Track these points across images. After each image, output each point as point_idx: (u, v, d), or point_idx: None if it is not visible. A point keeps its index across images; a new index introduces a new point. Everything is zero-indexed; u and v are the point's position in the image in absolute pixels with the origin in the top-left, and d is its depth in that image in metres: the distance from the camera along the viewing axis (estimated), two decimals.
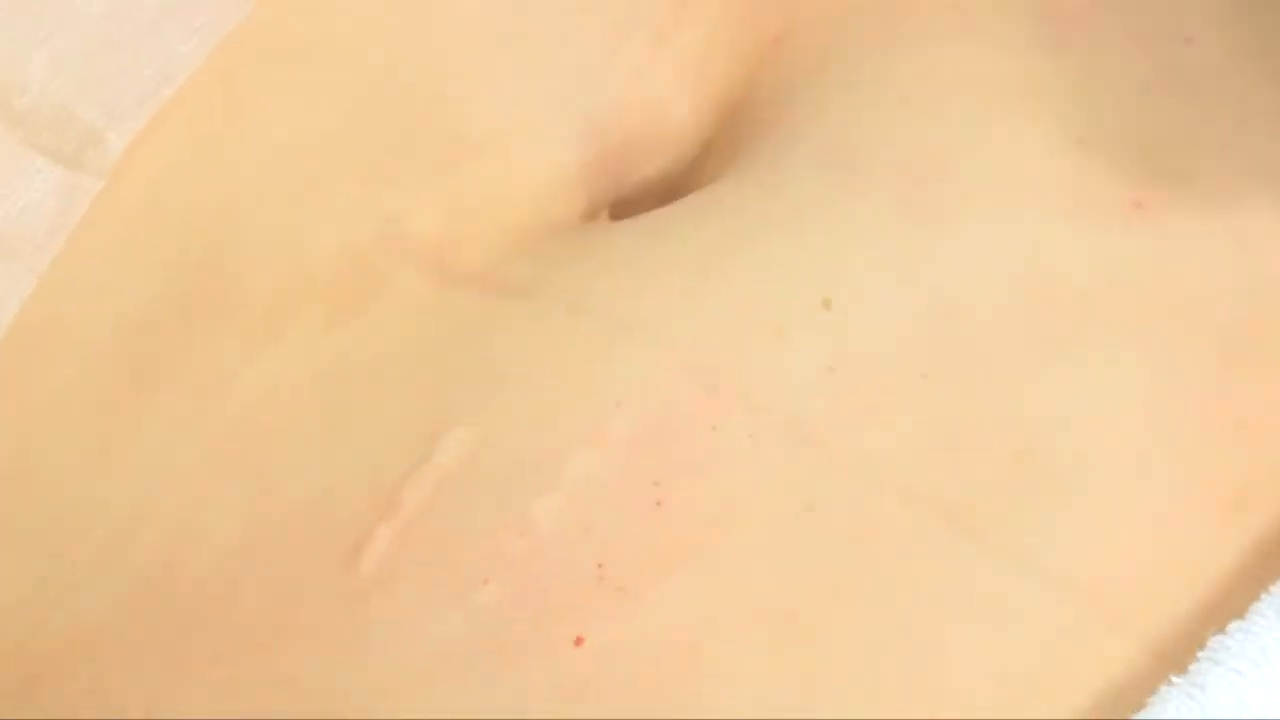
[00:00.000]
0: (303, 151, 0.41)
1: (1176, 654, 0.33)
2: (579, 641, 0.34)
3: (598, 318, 0.38)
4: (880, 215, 0.38)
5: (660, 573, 0.34)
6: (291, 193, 0.41)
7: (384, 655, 0.34)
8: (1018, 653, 0.33)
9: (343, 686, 0.34)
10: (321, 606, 0.35)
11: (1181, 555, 0.34)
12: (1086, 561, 0.34)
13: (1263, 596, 0.33)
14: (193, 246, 0.40)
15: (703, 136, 0.45)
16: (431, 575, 0.35)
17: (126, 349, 0.39)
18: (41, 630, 0.37)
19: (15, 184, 0.39)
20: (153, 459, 0.38)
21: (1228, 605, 0.33)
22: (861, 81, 0.42)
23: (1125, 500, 0.35)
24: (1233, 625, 0.32)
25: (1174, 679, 0.32)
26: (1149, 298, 0.37)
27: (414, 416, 0.37)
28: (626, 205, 0.44)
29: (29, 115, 0.39)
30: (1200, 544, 0.35)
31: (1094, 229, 0.38)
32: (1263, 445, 0.36)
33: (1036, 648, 0.33)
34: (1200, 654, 0.32)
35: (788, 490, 0.35)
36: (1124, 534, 0.35)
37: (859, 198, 0.39)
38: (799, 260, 0.38)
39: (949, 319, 0.37)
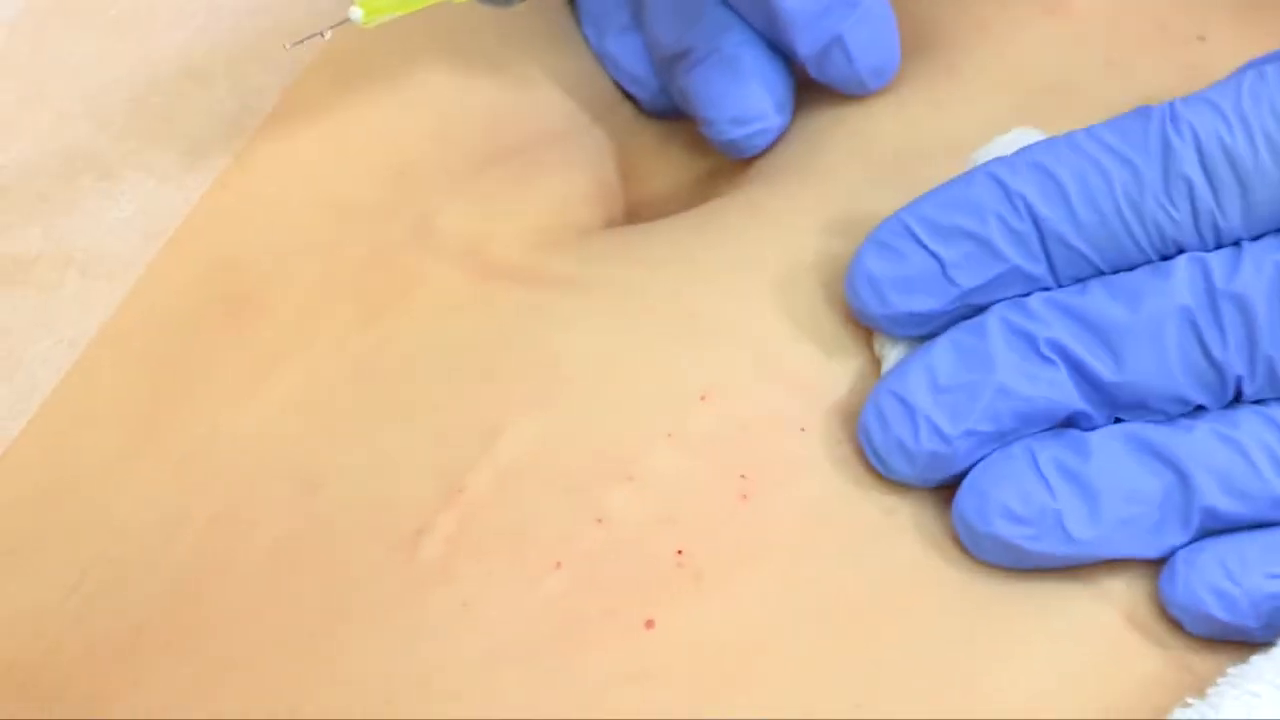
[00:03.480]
0: (332, 153, 0.42)
1: (1207, 675, 0.35)
2: (650, 624, 0.34)
3: (665, 314, 0.39)
4: None
5: (741, 564, 0.35)
6: (320, 192, 0.41)
7: (445, 641, 0.34)
8: (1070, 661, 0.35)
9: (400, 675, 0.34)
10: (378, 596, 0.35)
11: None
12: (1136, 583, 0.36)
13: None
14: (226, 247, 0.40)
15: (710, 171, 0.47)
16: (497, 562, 0.35)
17: (162, 350, 0.39)
18: (80, 629, 0.37)
19: (101, 206, 0.39)
20: (191, 458, 0.38)
21: None
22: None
23: None
24: (1255, 656, 0.34)
25: (1190, 700, 0.34)
26: None
27: (470, 408, 0.38)
28: (638, 214, 0.46)
29: (112, 149, 0.40)
30: None
31: None
32: None
33: (1087, 658, 0.35)
34: (1219, 680, 0.34)
35: (870, 495, 0.37)
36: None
37: None
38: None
39: None
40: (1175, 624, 0.36)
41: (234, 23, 0.41)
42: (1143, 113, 0.36)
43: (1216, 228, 0.36)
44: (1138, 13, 0.44)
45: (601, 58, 0.46)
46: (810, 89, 0.44)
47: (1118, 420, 0.37)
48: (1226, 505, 0.35)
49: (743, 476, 0.36)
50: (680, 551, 0.35)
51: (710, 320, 0.39)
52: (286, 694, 0.35)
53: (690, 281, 0.40)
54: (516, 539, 0.36)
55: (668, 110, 0.46)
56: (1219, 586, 0.35)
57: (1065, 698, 0.35)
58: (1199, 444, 0.36)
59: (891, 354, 0.38)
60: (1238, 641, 0.36)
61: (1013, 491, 0.36)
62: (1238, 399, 0.36)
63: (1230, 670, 0.34)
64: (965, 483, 0.36)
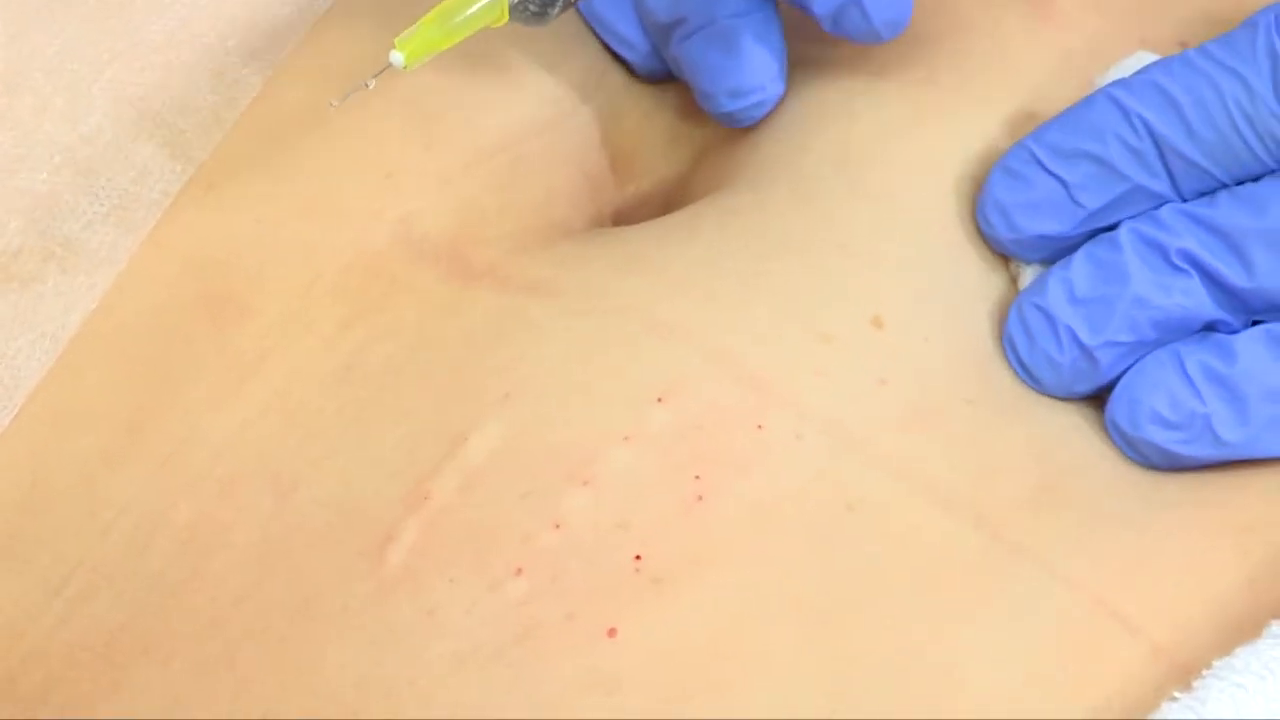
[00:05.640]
0: (316, 154, 0.41)
1: (1189, 663, 0.34)
2: (612, 633, 0.34)
3: (630, 317, 0.39)
4: (926, 240, 0.40)
5: (698, 567, 0.35)
6: (304, 194, 0.41)
7: (411, 647, 0.34)
8: (1039, 656, 0.35)
9: (369, 680, 0.34)
10: (347, 601, 0.35)
11: (1197, 571, 0.36)
12: (1108, 574, 0.36)
13: (1272, 622, 0.34)
14: (209, 247, 0.40)
15: (699, 146, 0.46)
16: (461, 567, 0.35)
17: (144, 351, 0.39)
18: (61, 633, 0.37)
19: (80, 201, 0.39)
20: (172, 460, 0.38)
21: (1238, 619, 0.35)
22: (866, 89, 0.44)
23: (1146, 522, 0.37)
24: (1239, 648, 0.34)
25: (1177, 694, 0.33)
26: None
27: (439, 412, 0.38)
28: (625, 215, 0.45)
29: (92, 141, 0.39)
30: (1215, 563, 0.36)
31: None
32: (1276, 479, 0.38)
33: (1057, 652, 0.35)
34: (1206, 672, 0.33)
35: (830, 491, 0.36)
36: (1144, 551, 0.36)
37: (901, 224, 0.40)
38: (844, 276, 0.39)
39: (997, 353, 0.39)
40: (1148, 609, 0.35)
41: (215, 15, 0.41)
42: (1250, 24, 0.38)
43: None
44: (1120, 24, 0.45)
45: (589, 19, 0.45)
46: (798, 74, 0.44)
47: (1256, 322, 0.38)
48: None
49: (697, 477, 0.36)
50: (638, 557, 0.35)
51: (672, 323, 0.38)
52: (262, 699, 0.35)
53: (656, 285, 0.39)
54: (479, 544, 0.35)
55: (659, 73, 0.46)
56: None
57: (1038, 692, 0.34)
58: None
59: (1027, 272, 0.40)
60: None
61: (1162, 397, 0.37)
62: None
63: (1215, 663, 0.33)
64: (1117, 389, 0.38)
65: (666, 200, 0.45)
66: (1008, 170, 0.40)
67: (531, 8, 0.38)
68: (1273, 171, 0.38)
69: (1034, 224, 0.39)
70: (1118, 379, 0.38)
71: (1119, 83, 0.39)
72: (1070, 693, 0.34)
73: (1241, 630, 0.34)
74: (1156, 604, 0.35)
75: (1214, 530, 0.37)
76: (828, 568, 0.35)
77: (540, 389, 0.37)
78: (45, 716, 0.36)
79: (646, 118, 0.46)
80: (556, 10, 0.38)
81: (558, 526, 0.35)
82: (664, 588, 0.35)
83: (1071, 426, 0.39)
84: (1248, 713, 0.32)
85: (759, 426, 0.37)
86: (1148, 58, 0.41)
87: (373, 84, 0.37)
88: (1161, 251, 0.38)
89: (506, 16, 0.38)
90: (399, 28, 0.38)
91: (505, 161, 0.43)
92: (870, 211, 0.40)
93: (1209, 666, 0.33)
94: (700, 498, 0.36)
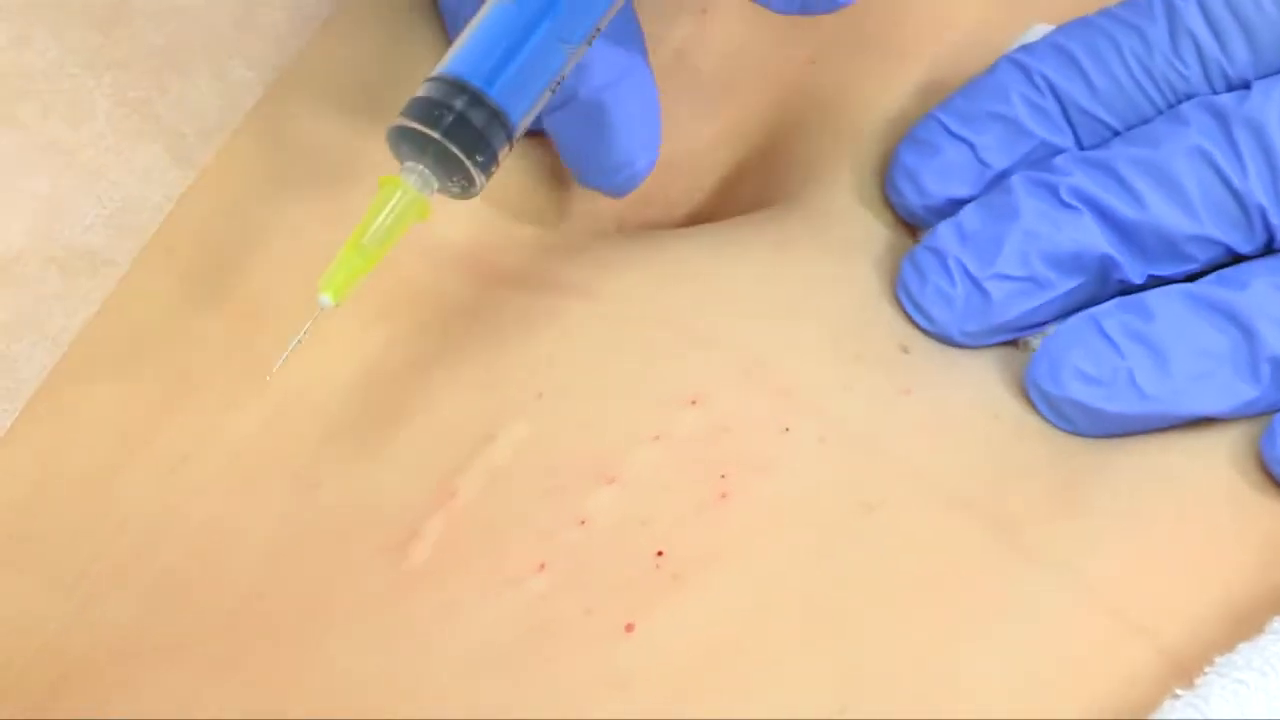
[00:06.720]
0: (328, 155, 0.41)
1: (1199, 667, 0.34)
2: (629, 628, 0.34)
3: (670, 324, 0.39)
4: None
5: (718, 562, 0.35)
6: (319, 194, 0.41)
7: (429, 644, 0.34)
8: (1047, 657, 0.35)
9: (386, 677, 0.34)
10: (366, 598, 0.35)
11: (1207, 574, 0.36)
12: (1120, 577, 0.36)
13: (1274, 618, 0.34)
14: (221, 254, 0.40)
15: (733, 159, 0.46)
16: (482, 564, 0.35)
17: (155, 355, 0.39)
18: (72, 632, 0.37)
19: (82, 204, 0.39)
20: (183, 462, 0.38)
21: (1245, 619, 0.35)
22: (903, 103, 0.44)
23: (1160, 522, 0.37)
24: (1241, 645, 0.34)
25: (1179, 691, 0.33)
26: None
27: (468, 411, 0.38)
28: (657, 227, 0.45)
29: (94, 144, 0.39)
30: (1224, 567, 0.37)
31: None
32: None
33: (1064, 654, 0.35)
34: (1208, 669, 0.34)
35: (849, 492, 0.36)
36: (1156, 553, 0.37)
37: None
38: (878, 313, 0.40)
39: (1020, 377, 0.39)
40: (1158, 612, 0.36)
41: (215, 16, 0.41)
42: None
43: (1226, 75, 0.38)
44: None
45: None
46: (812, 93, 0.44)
47: (1157, 279, 0.38)
48: None
49: (723, 476, 0.36)
50: (660, 553, 0.35)
51: (711, 334, 0.39)
52: (275, 695, 0.34)
53: (701, 297, 0.40)
54: (501, 540, 0.36)
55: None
56: None
57: (1047, 694, 0.34)
58: (1257, 297, 0.37)
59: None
60: None
61: (1083, 353, 0.38)
62: (1270, 243, 0.38)
63: (1218, 659, 0.34)
64: (1037, 353, 0.38)
65: (701, 210, 0.46)
66: (915, 139, 0.40)
67: (454, 190, 0.36)
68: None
69: (942, 187, 0.40)
70: (1017, 328, 0.39)
71: (1021, 47, 0.40)
72: (1079, 696, 0.34)
73: (1253, 630, 0.35)
74: (1167, 606, 0.36)
75: (1228, 532, 0.37)
76: (843, 567, 0.35)
77: (572, 388, 0.38)
78: (56, 716, 0.35)
79: (682, 124, 0.46)
80: (483, 181, 0.36)
81: (582, 523, 0.36)
82: (683, 583, 0.35)
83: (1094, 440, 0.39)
84: (1249, 709, 0.33)
85: (785, 429, 0.37)
86: (1046, 29, 0.41)
87: (306, 335, 0.35)
88: (1051, 190, 0.39)
89: (427, 214, 0.35)
90: (402, 34, 0.38)
91: (522, 167, 0.43)
92: (908, 239, 0.41)
93: (1211, 663, 0.34)
94: (724, 496, 0.36)
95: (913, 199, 0.40)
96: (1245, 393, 0.37)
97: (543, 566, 0.35)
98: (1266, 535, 0.37)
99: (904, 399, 0.38)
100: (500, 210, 0.42)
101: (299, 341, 0.35)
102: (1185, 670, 0.34)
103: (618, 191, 0.42)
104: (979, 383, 0.39)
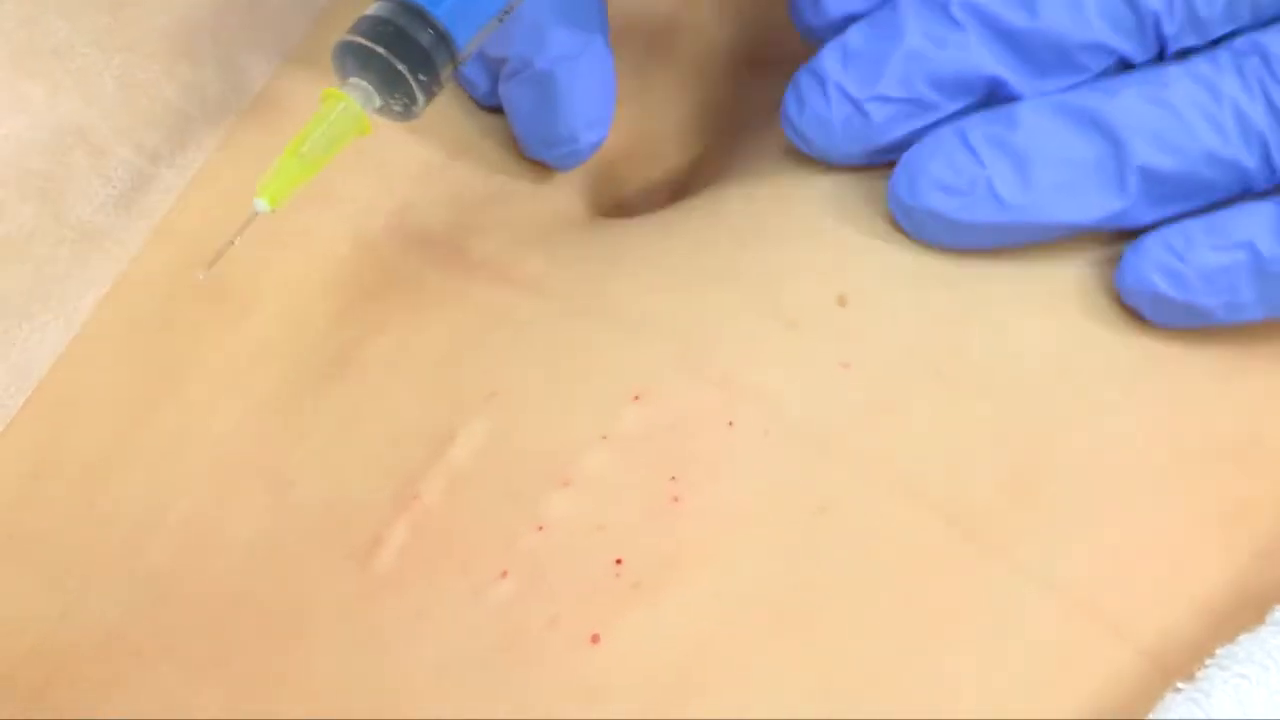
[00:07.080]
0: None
1: (1176, 662, 0.34)
2: (595, 639, 0.34)
3: (610, 315, 0.38)
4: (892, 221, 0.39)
5: (677, 570, 0.34)
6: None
7: (398, 653, 0.34)
8: (1019, 656, 0.34)
9: (357, 684, 0.34)
10: (336, 605, 0.35)
11: (1181, 567, 0.35)
12: (1087, 570, 0.35)
13: (1275, 608, 0.33)
14: (204, 243, 0.39)
15: (702, 141, 0.46)
16: (446, 572, 0.35)
17: (150, 345, 0.39)
18: (58, 633, 0.36)
19: (92, 185, 0.39)
20: (166, 460, 0.38)
21: (1224, 614, 0.34)
22: None
23: (1127, 512, 0.36)
24: (1242, 636, 0.33)
25: (1180, 685, 0.32)
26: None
27: (429, 410, 0.37)
28: (631, 208, 0.45)
29: (103, 126, 0.39)
30: (1199, 556, 0.35)
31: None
32: (1264, 463, 0.37)
33: (1037, 652, 0.34)
34: (1209, 662, 0.33)
35: (802, 492, 0.35)
36: (1125, 544, 0.35)
37: (869, 204, 0.40)
38: (812, 260, 0.39)
39: (963, 321, 0.38)
40: (1131, 609, 0.35)
41: (223, 3, 0.41)
42: None
43: None
44: None
45: None
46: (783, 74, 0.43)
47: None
48: (1160, 162, 0.36)
49: (673, 478, 0.35)
50: (619, 561, 0.34)
51: (646, 320, 0.38)
52: (255, 701, 0.34)
53: (635, 282, 0.39)
54: (464, 546, 0.35)
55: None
56: (1167, 265, 0.36)
57: (1023, 695, 0.34)
58: (1128, 106, 0.36)
59: None
60: (1201, 328, 0.36)
61: (943, 163, 0.37)
62: (1161, 55, 0.36)
63: (1219, 651, 0.33)
64: (898, 164, 0.37)
65: (675, 190, 0.45)
66: None
67: (396, 108, 0.36)
68: None
69: (840, 4, 0.39)
70: (898, 148, 0.38)
71: None
72: (1052, 694, 0.34)
73: (1231, 625, 0.34)
74: (1140, 604, 0.35)
75: (1198, 521, 0.36)
76: (802, 573, 0.34)
77: (524, 389, 0.37)
78: (43, 716, 0.35)
79: (656, 105, 0.46)
80: (424, 101, 0.36)
81: (540, 528, 0.35)
82: (643, 592, 0.34)
83: (1044, 402, 0.37)
84: (1250, 704, 0.32)
85: (729, 423, 0.36)
86: None
87: (238, 241, 0.36)
88: (941, 6, 0.37)
89: (368, 129, 0.36)
90: None
91: (494, 146, 0.43)
92: (838, 192, 0.40)
93: (1212, 655, 0.33)
94: (676, 499, 0.35)
95: (811, 17, 0.39)
96: (1112, 203, 0.36)
97: (505, 574, 0.34)
98: (1219, 499, 0.36)
99: (843, 374, 0.37)
100: (474, 192, 0.42)
101: (231, 243, 0.36)
102: (1166, 670, 0.34)
103: (560, 165, 0.42)
104: (923, 338, 0.38)
